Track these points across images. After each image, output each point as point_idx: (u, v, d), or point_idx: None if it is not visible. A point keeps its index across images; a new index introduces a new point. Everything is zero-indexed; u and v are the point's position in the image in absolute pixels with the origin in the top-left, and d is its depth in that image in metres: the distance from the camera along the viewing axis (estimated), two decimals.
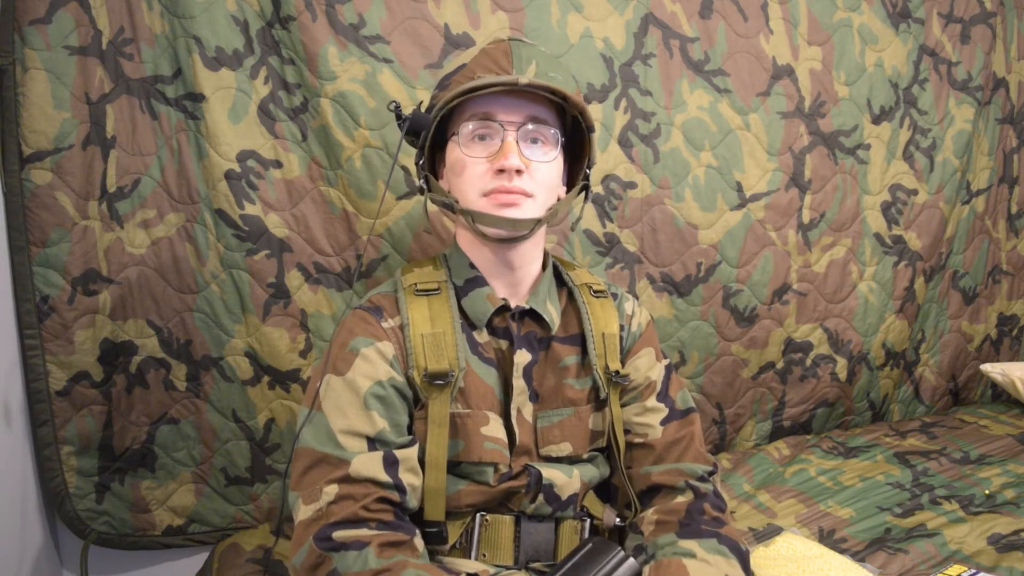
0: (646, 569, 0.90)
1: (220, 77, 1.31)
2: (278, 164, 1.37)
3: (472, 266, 1.00)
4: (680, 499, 0.97)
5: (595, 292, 1.06)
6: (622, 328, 1.06)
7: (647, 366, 1.05)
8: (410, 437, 0.91)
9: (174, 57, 1.30)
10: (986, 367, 1.92)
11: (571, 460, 1.00)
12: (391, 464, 0.86)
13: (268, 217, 1.37)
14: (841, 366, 1.83)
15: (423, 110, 0.97)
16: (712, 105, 1.64)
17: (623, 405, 1.04)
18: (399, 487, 0.86)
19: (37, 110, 1.24)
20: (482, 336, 0.98)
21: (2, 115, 1.23)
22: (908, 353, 1.96)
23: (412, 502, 0.89)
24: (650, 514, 0.97)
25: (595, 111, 1.54)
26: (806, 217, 1.75)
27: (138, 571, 1.48)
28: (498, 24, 1.46)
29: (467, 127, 0.94)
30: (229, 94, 1.32)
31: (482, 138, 0.94)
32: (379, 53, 1.37)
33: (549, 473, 0.96)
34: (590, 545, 0.87)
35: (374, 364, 0.91)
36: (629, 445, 1.02)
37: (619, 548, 0.87)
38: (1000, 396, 2.08)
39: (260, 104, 1.35)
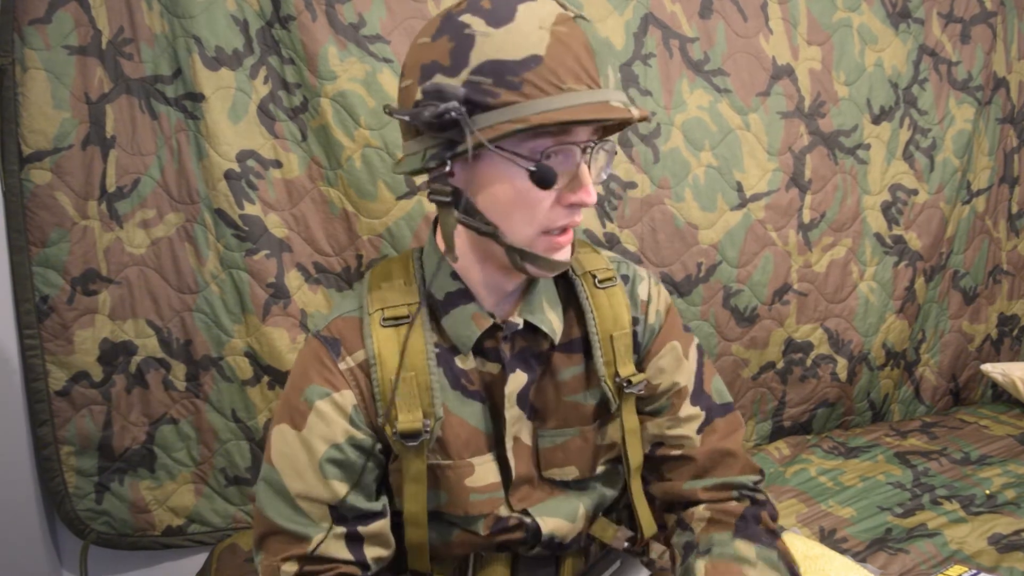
0: (701, 565, 0.82)
1: (220, 77, 1.31)
2: (278, 164, 1.37)
3: (455, 276, 0.83)
4: (734, 504, 0.87)
5: (600, 282, 0.89)
6: (636, 321, 0.90)
7: (673, 367, 0.90)
8: (380, 506, 0.82)
9: (174, 57, 1.30)
10: (987, 367, 1.92)
11: (579, 483, 0.89)
12: (354, 542, 0.79)
13: (268, 217, 1.36)
14: (841, 366, 1.83)
15: (456, 98, 0.71)
16: (712, 105, 1.64)
17: (651, 414, 0.91)
18: (363, 564, 0.79)
19: (37, 110, 1.24)
20: (467, 362, 0.84)
21: (2, 115, 1.23)
22: (908, 353, 1.96)
23: (375, 568, 0.82)
24: (701, 510, 0.87)
25: None
26: (806, 217, 1.75)
27: (138, 571, 1.48)
28: None
29: (543, 151, 0.73)
30: (229, 94, 1.32)
31: (548, 159, 0.74)
32: (379, 53, 1.37)
33: (549, 526, 0.86)
34: (617, 564, 0.84)
35: (329, 423, 0.79)
36: (664, 458, 0.90)
37: (645, 570, 0.84)
38: (1000, 396, 2.07)
39: (260, 104, 1.35)
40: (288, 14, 1.32)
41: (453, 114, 0.70)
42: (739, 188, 1.67)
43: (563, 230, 0.78)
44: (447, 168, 0.74)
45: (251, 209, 1.35)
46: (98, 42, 1.27)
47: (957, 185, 1.91)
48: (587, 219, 1.55)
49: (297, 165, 1.38)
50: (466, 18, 0.73)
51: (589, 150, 0.75)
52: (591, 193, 0.75)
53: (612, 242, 1.57)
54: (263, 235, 1.36)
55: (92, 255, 1.30)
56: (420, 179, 1.39)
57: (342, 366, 0.81)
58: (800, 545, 1.20)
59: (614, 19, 1.55)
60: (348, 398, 0.80)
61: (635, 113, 0.74)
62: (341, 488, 0.78)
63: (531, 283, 0.86)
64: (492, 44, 0.71)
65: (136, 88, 1.30)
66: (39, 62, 1.23)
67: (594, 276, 0.89)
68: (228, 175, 1.33)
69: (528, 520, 0.86)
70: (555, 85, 0.71)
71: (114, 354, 1.33)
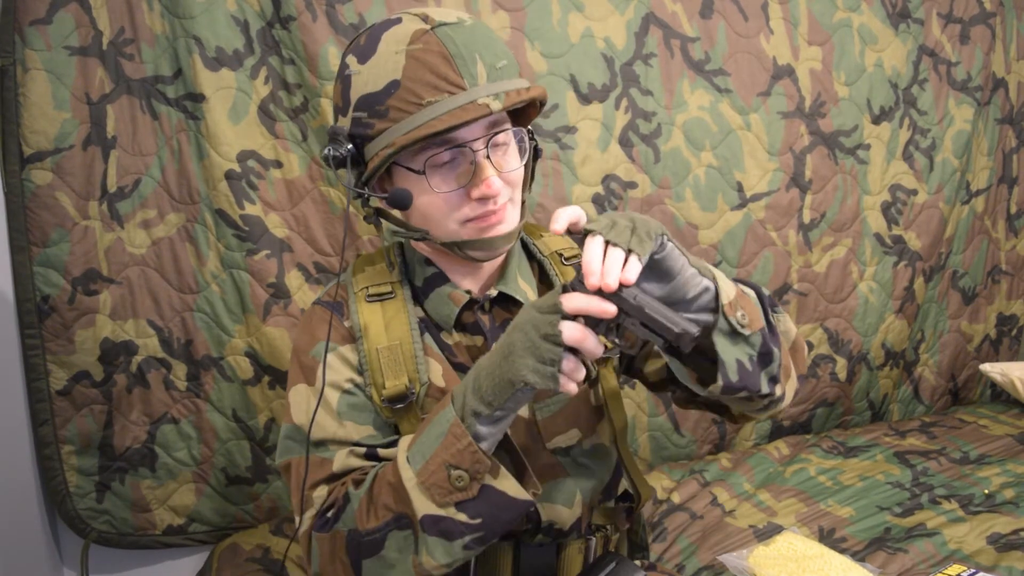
0: None
1: (220, 77, 1.31)
2: (278, 164, 1.37)
3: (429, 262, 0.90)
4: None
5: (567, 259, 0.95)
6: None
7: None
8: (395, 437, 0.85)
9: (174, 57, 1.30)
10: (985, 367, 1.92)
11: (582, 452, 0.92)
12: (372, 458, 0.83)
13: (268, 217, 1.37)
14: (841, 366, 1.83)
15: (347, 135, 0.82)
16: (713, 105, 1.64)
17: (649, 356, 0.95)
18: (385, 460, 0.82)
19: (37, 110, 1.24)
20: (452, 337, 0.89)
21: (3, 115, 1.23)
22: (908, 353, 1.96)
23: None
24: None
25: (596, 111, 1.54)
26: (806, 217, 1.75)
27: (138, 570, 1.48)
28: (499, 24, 1.46)
29: (429, 160, 0.79)
30: (229, 94, 1.32)
31: (445, 163, 0.80)
32: None
33: (549, 513, 0.89)
34: (613, 564, 0.85)
35: (338, 372, 0.84)
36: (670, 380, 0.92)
37: (641, 571, 0.85)
38: (999, 396, 2.08)
39: (260, 104, 1.35)
40: (288, 14, 1.32)
41: (343, 152, 0.81)
42: (739, 188, 1.67)
43: (494, 214, 0.82)
44: (364, 195, 0.84)
45: (252, 209, 1.35)
46: (99, 43, 1.27)
47: (956, 185, 1.91)
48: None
49: (298, 165, 1.38)
50: (349, 59, 0.82)
51: (480, 143, 0.79)
52: (491, 185, 0.79)
53: None
54: (264, 235, 1.36)
55: (93, 255, 1.30)
56: None
57: (346, 324, 0.87)
58: (800, 544, 1.21)
59: (615, 19, 1.55)
60: (352, 354, 0.85)
61: (495, 106, 0.76)
62: (357, 430, 0.83)
63: (505, 262, 0.91)
64: (361, 81, 0.80)
65: (137, 88, 1.30)
66: (40, 63, 1.23)
67: (560, 255, 0.95)
68: (229, 175, 1.33)
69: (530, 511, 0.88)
70: (415, 103, 0.77)
71: (115, 354, 1.33)
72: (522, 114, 0.89)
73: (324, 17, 1.33)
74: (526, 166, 0.88)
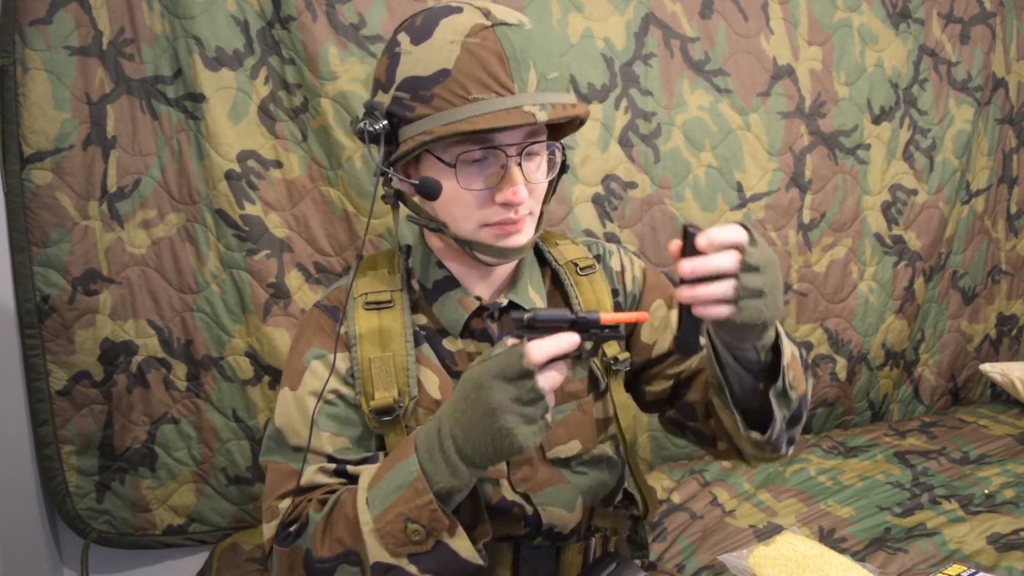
0: None
1: (220, 77, 1.31)
2: (278, 164, 1.37)
3: (441, 264, 0.89)
4: None
5: (582, 270, 0.95)
6: (616, 293, 0.96)
7: (663, 325, 0.94)
8: (372, 454, 0.85)
9: (174, 57, 1.30)
10: (985, 367, 1.92)
11: (581, 462, 0.92)
12: (343, 476, 0.82)
13: (268, 217, 1.37)
14: (841, 366, 1.83)
15: (384, 112, 0.81)
16: (712, 105, 1.64)
17: (660, 372, 0.94)
18: (353, 479, 0.82)
19: (37, 110, 1.24)
20: (455, 344, 0.88)
21: (3, 115, 1.23)
22: (908, 353, 1.96)
23: None
24: None
25: (596, 111, 1.54)
26: (806, 217, 1.75)
27: (138, 570, 1.48)
28: None
29: (463, 156, 0.78)
30: (229, 94, 1.32)
31: (476, 161, 0.80)
32: (379, 53, 1.37)
33: (550, 516, 0.89)
34: (614, 565, 0.85)
35: (321, 379, 0.84)
36: (691, 377, 0.92)
37: (642, 572, 0.85)
38: (999, 396, 2.08)
39: (260, 104, 1.35)
40: (288, 14, 1.32)
41: (377, 128, 0.79)
42: (739, 188, 1.67)
43: (514, 223, 0.81)
44: (389, 175, 0.82)
45: (252, 209, 1.35)
46: (99, 43, 1.27)
47: (956, 185, 1.91)
48: (587, 219, 1.55)
49: (298, 165, 1.38)
50: (401, 36, 0.81)
51: (514, 150, 0.79)
52: (518, 193, 0.78)
53: (612, 242, 1.57)
54: (264, 235, 1.36)
55: (93, 255, 1.30)
56: None
57: (342, 330, 0.86)
58: (800, 544, 1.21)
59: (615, 19, 1.55)
60: (343, 361, 0.85)
61: (541, 117, 0.76)
62: (333, 441, 0.83)
63: (517, 269, 0.91)
64: (410, 61, 0.79)
65: (137, 88, 1.30)
66: (40, 63, 1.23)
67: (576, 264, 0.95)
68: (229, 175, 1.33)
69: (530, 511, 0.88)
70: (461, 96, 0.76)
71: (115, 354, 1.33)
72: (559, 130, 0.89)
73: (324, 17, 1.33)
74: (551, 181, 0.88)
